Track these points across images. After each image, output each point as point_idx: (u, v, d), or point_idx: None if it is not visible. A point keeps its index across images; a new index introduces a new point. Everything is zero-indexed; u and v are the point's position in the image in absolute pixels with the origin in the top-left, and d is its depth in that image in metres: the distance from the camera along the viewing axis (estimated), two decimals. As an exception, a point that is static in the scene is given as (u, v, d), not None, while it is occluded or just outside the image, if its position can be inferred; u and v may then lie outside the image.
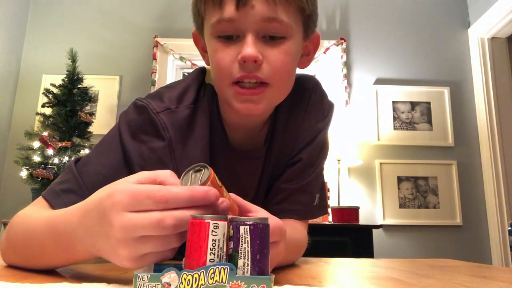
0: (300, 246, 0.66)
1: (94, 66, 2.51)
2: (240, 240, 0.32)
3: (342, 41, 2.59)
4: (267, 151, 0.69)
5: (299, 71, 0.68)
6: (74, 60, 2.19)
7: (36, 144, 2.01)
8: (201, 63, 2.45)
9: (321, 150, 0.72)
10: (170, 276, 0.30)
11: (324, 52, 2.55)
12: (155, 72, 2.50)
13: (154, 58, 2.53)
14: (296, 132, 0.70)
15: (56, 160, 1.97)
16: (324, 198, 0.74)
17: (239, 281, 0.30)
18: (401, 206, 2.40)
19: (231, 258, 0.32)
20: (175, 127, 0.61)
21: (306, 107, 0.71)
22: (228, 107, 0.63)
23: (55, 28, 2.64)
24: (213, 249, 0.31)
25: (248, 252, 0.32)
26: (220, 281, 0.30)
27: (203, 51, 0.67)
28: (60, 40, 2.60)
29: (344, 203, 2.33)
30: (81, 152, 2.06)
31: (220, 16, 0.55)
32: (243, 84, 0.56)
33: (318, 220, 1.99)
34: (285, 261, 0.58)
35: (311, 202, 0.70)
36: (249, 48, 0.54)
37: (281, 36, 0.57)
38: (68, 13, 2.66)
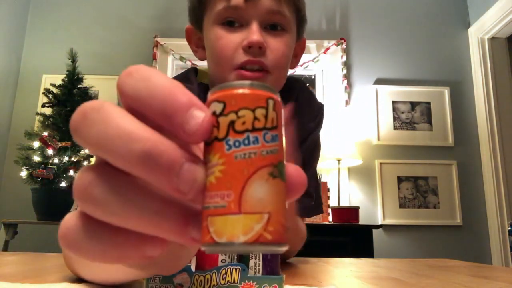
0: (302, 235, 0.67)
1: (94, 66, 2.51)
2: None
3: (342, 41, 2.59)
4: None
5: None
6: (74, 60, 2.19)
7: (36, 144, 2.01)
8: (201, 63, 2.45)
9: (314, 150, 0.74)
10: (182, 277, 0.30)
11: (324, 52, 2.55)
12: (155, 72, 2.49)
13: (154, 58, 2.53)
14: (288, 133, 0.70)
15: (56, 160, 1.97)
16: (318, 197, 0.75)
17: (251, 281, 0.30)
18: (401, 206, 2.40)
19: (242, 258, 0.32)
20: None
21: (296, 109, 0.73)
22: None
23: (55, 28, 2.64)
24: None
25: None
26: (232, 282, 0.30)
27: (196, 46, 0.70)
28: (60, 40, 2.60)
29: (344, 203, 2.33)
30: (81, 152, 2.06)
31: (227, 4, 0.59)
32: (245, 69, 0.58)
33: (318, 220, 1.99)
34: (294, 247, 0.59)
35: (309, 202, 0.70)
36: (255, 35, 0.57)
37: (282, 28, 0.61)
38: (68, 13, 2.66)
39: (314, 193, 0.73)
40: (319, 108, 0.76)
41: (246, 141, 0.16)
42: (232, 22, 0.60)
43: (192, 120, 0.16)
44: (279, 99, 0.18)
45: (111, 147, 0.15)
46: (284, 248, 0.17)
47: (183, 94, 0.16)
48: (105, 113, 0.16)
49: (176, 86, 0.16)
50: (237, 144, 0.16)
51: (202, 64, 0.72)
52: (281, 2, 0.60)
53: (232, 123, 0.17)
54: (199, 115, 0.16)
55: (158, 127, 0.16)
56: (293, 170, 0.18)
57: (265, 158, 0.17)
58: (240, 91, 0.17)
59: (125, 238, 0.17)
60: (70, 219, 0.17)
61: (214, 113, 0.17)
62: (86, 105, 0.16)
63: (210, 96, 0.18)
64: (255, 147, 0.16)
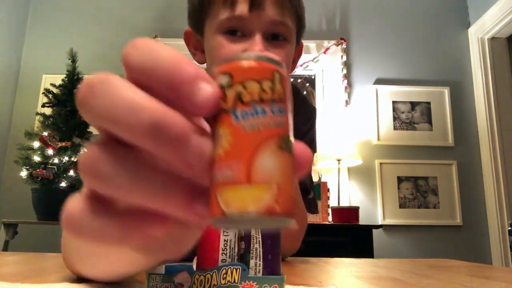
0: (305, 218, 0.67)
1: (94, 66, 2.51)
2: (252, 240, 0.32)
3: (342, 41, 2.59)
4: None
5: None
6: (74, 60, 2.19)
7: (36, 144, 2.01)
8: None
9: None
10: (182, 277, 0.30)
11: (324, 52, 2.55)
12: (155, 72, 2.50)
13: (154, 58, 2.53)
14: None
15: (56, 160, 1.97)
16: (314, 197, 0.77)
17: (251, 281, 0.30)
18: (401, 206, 2.40)
19: (243, 258, 0.32)
20: None
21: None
22: None
23: (55, 28, 2.64)
24: (225, 249, 0.31)
25: (259, 252, 0.32)
26: (232, 282, 0.30)
27: (195, 49, 0.70)
28: (60, 40, 2.60)
29: (344, 203, 2.33)
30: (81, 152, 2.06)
31: (231, 13, 0.59)
32: None
33: (318, 220, 1.99)
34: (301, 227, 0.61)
35: (306, 195, 0.72)
36: (258, 46, 0.57)
37: (284, 38, 0.62)
38: (68, 13, 2.66)
39: (312, 190, 0.74)
40: (312, 111, 0.79)
41: (254, 112, 0.16)
42: (234, 31, 0.60)
43: (200, 91, 0.16)
44: (285, 73, 0.18)
45: (119, 118, 0.15)
46: (292, 223, 0.16)
47: (190, 66, 0.16)
48: (112, 84, 0.16)
49: (182, 57, 0.16)
50: (244, 115, 0.16)
51: (202, 67, 0.73)
52: (284, 12, 0.60)
53: (239, 95, 0.16)
54: (207, 86, 0.16)
55: (165, 100, 0.16)
56: (299, 146, 0.18)
57: (273, 129, 0.17)
58: (247, 63, 0.17)
59: (128, 217, 0.17)
60: (73, 202, 0.17)
61: (220, 86, 0.17)
62: (92, 78, 0.16)
63: (217, 69, 0.18)
64: (263, 118, 0.16)
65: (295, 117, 0.75)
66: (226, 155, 0.16)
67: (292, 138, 0.18)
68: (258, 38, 0.58)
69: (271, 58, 0.18)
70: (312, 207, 0.76)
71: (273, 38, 0.61)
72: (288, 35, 0.62)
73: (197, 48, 0.69)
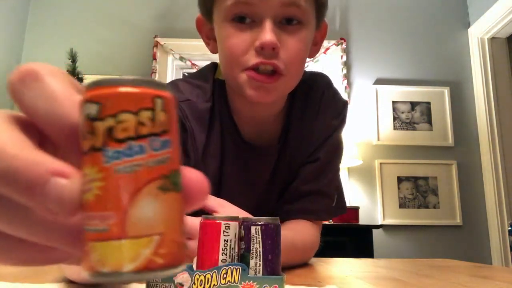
0: (308, 248, 0.65)
1: (94, 66, 2.51)
2: (252, 240, 0.32)
3: (342, 41, 2.59)
4: (281, 147, 0.68)
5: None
6: (74, 60, 2.19)
7: (36, 144, 2.01)
8: (201, 63, 2.45)
9: (337, 148, 0.72)
10: (182, 277, 0.30)
11: (324, 52, 2.55)
12: (155, 72, 2.50)
13: (154, 58, 2.53)
14: (311, 130, 0.68)
15: (56, 160, 1.97)
16: (341, 197, 0.74)
17: (251, 281, 0.30)
18: (401, 206, 2.40)
19: (243, 258, 0.32)
20: (195, 117, 0.61)
21: (320, 105, 0.69)
22: (238, 97, 0.63)
23: (55, 28, 2.64)
24: (225, 250, 0.32)
25: (259, 252, 0.32)
26: (232, 281, 0.30)
27: (208, 38, 0.65)
28: (60, 40, 2.60)
29: (344, 203, 2.33)
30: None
31: None
32: (258, 70, 0.55)
33: (318, 220, 1.99)
34: (292, 261, 0.58)
35: (330, 203, 0.70)
36: (268, 34, 0.53)
37: (298, 21, 0.56)
38: (68, 13, 2.66)
39: (336, 193, 0.70)
40: (343, 105, 0.72)
41: (128, 152, 0.14)
42: (243, 18, 0.55)
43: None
44: (170, 95, 0.15)
45: None
46: (180, 268, 0.15)
47: (70, 108, 0.15)
48: None
49: (68, 95, 0.15)
50: (117, 155, 0.14)
51: None
52: None
53: (110, 130, 0.14)
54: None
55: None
56: (193, 176, 0.16)
57: (153, 169, 0.14)
58: (119, 89, 0.14)
59: (29, 243, 0.15)
60: None
61: (88, 117, 0.14)
62: None
63: (84, 94, 0.15)
64: (140, 158, 0.14)
65: (325, 112, 0.70)
66: (97, 203, 0.14)
67: (180, 171, 0.15)
68: (267, 24, 0.53)
69: (151, 81, 0.15)
70: (333, 214, 0.73)
71: (287, 23, 0.56)
72: (303, 17, 0.56)
73: (210, 37, 0.64)
